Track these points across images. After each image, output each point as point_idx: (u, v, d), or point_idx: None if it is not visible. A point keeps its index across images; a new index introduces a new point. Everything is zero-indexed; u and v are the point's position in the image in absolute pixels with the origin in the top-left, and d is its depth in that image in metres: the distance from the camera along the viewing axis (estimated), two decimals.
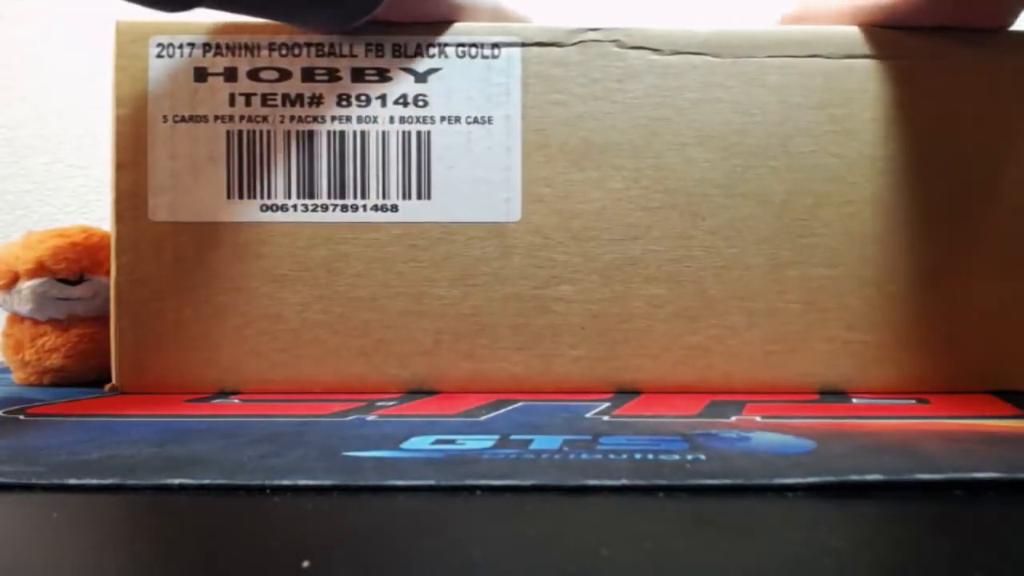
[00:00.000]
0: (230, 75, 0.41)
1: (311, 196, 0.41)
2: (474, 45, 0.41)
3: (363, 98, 0.41)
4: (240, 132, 0.41)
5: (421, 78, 0.41)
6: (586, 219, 0.41)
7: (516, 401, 0.38)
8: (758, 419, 0.32)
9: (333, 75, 0.41)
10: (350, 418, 0.33)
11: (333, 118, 0.41)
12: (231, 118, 0.41)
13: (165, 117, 0.41)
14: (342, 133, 0.41)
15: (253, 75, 0.41)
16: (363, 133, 0.41)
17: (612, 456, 0.25)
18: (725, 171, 0.40)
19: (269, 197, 0.41)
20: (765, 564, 0.17)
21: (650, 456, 0.25)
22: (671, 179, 0.40)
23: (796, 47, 0.40)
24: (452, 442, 0.27)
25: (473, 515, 0.20)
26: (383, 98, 0.41)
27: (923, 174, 0.40)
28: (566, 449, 0.26)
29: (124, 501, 0.22)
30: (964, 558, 0.17)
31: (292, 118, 0.41)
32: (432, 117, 0.41)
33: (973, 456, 0.25)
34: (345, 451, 0.26)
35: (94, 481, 0.23)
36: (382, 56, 0.41)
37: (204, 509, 0.21)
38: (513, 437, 0.28)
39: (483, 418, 0.33)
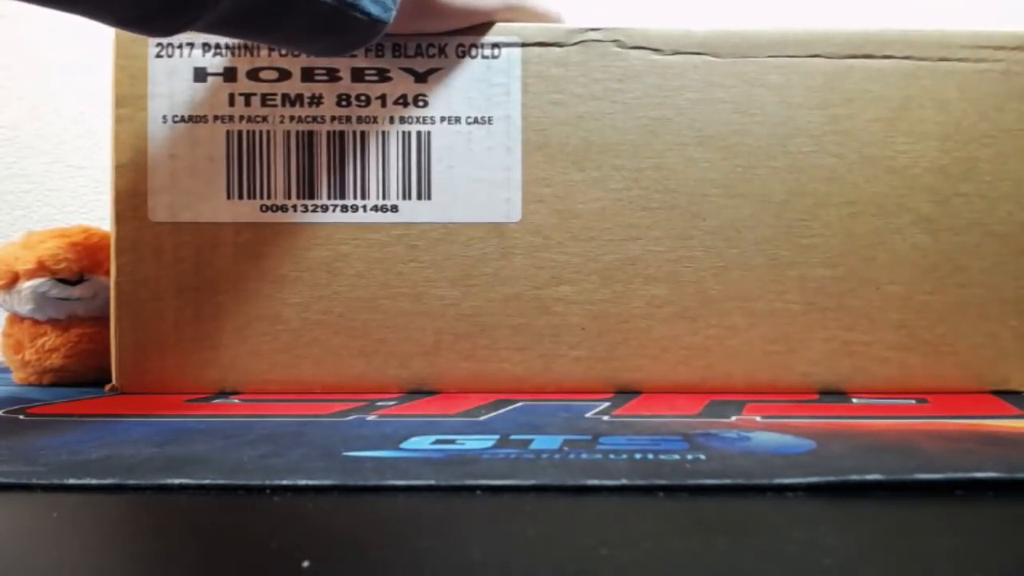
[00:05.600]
0: (230, 75, 0.41)
1: (311, 196, 0.41)
2: (474, 45, 0.41)
3: (363, 98, 0.41)
4: (240, 132, 0.41)
5: (421, 78, 0.41)
6: (586, 219, 0.41)
7: (516, 401, 0.38)
8: (758, 419, 0.32)
9: (333, 75, 0.41)
10: (350, 418, 0.33)
11: (333, 118, 0.41)
12: (231, 118, 0.41)
13: (165, 117, 0.41)
14: (342, 133, 0.41)
15: (253, 75, 0.41)
16: (363, 133, 0.41)
17: (612, 456, 0.25)
18: (725, 171, 0.40)
19: (269, 197, 0.41)
20: (765, 564, 0.17)
21: (650, 456, 0.25)
22: (671, 179, 0.40)
23: (796, 47, 0.40)
24: (452, 442, 0.27)
25: (473, 515, 0.20)
26: (383, 98, 0.41)
27: (923, 174, 0.40)
28: (566, 449, 0.26)
29: (124, 501, 0.22)
30: (964, 558, 0.17)
31: (292, 118, 0.41)
32: (432, 117, 0.41)
33: (973, 456, 0.25)
34: (345, 451, 0.26)
35: (94, 481, 0.23)
36: (382, 56, 0.41)
37: (204, 509, 0.21)
38: (513, 437, 0.28)
39: (483, 418, 0.33)
